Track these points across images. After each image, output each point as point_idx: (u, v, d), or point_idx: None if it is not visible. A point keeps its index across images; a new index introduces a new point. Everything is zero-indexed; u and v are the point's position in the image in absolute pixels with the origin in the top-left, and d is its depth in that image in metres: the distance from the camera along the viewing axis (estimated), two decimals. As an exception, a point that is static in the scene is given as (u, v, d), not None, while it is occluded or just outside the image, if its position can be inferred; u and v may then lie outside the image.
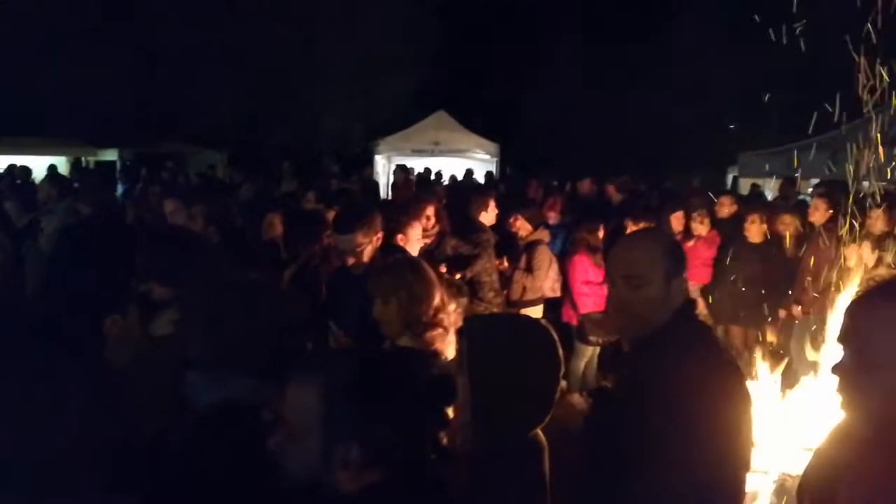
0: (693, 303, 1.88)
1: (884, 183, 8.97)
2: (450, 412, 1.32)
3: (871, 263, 5.49)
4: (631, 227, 6.09)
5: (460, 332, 1.78)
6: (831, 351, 4.31)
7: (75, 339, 3.14)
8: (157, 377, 1.93)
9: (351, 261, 3.10)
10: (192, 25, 16.97)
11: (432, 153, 15.20)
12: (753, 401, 1.75)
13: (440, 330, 2.11)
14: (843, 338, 1.35)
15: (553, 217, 7.20)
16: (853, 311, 1.36)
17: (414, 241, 4.05)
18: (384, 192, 12.52)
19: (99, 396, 2.51)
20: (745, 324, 6.13)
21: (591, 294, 5.95)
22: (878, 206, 5.76)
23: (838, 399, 1.37)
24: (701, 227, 6.48)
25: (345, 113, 19.22)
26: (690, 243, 6.50)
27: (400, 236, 3.94)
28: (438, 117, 15.76)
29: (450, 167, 15.05)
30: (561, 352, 1.73)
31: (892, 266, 5.56)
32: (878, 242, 5.64)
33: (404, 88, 19.48)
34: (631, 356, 1.74)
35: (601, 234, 6.22)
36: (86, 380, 2.86)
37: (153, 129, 16.76)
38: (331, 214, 3.83)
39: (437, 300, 2.15)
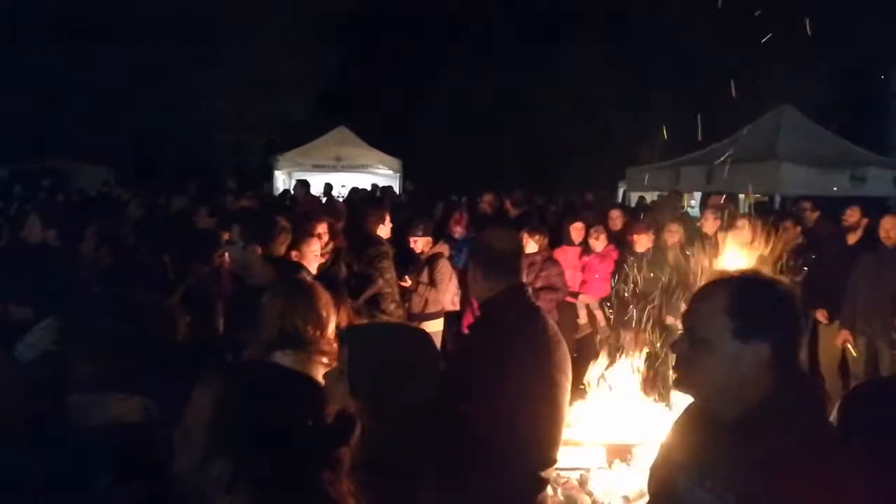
0: (517, 287, 2.33)
1: (756, 195, 9.79)
2: (346, 454, 1.25)
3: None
4: (527, 239, 6.29)
5: (341, 341, 1.81)
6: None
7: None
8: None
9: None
10: (80, 38, 16.02)
11: (334, 168, 15.09)
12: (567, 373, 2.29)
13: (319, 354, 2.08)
14: (682, 318, 1.54)
15: (459, 231, 7.33)
16: (692, 296, 1.55)
17: (310, 257, 4.04)
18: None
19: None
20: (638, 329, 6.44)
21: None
22: (744, 216, 6.25)
23: (674, 377, 1.55)
24: (597, 243, 6.77)
25: (243, 128, 18.72)
26: (588, 258, 6.80)
27: (295, 252, 3.92)
28: (339, 133, 15.69)
29: (352, 183, 14.97)
30: (438, 354, 1.79)
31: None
32: (747, 251, 6.08)
33: (305, 104, 19.24)
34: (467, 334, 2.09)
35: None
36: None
37: (29, 143, 15.64)
38: (226, 233, 3.73)
39: (321, 321, 2.11)
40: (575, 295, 6.68)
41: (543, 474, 2.31)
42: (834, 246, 6.57)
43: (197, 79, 17.13)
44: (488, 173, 15.68)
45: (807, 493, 1.26)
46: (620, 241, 7.04)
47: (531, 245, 6.30)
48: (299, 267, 3.38)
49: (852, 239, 6.41)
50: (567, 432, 4.03)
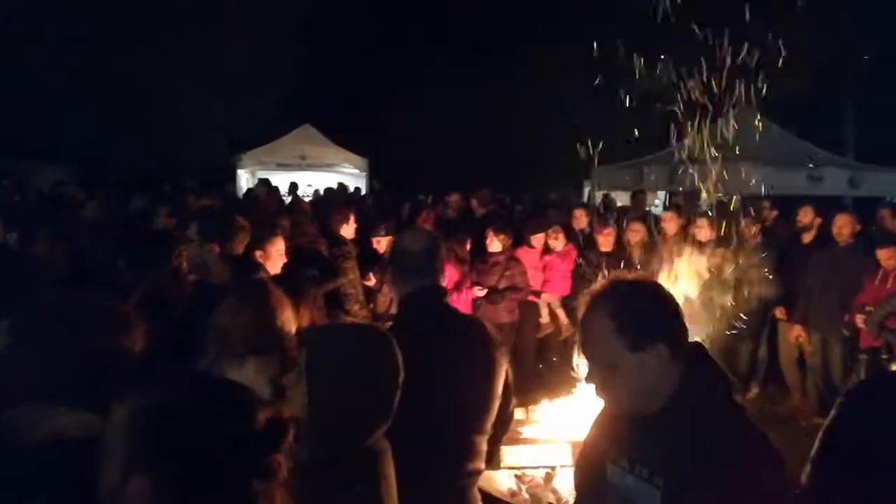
0: (429, 289, 2.35)
1: (719, 194, 9.96)
2: (279, 461, 1.20)
3: (703, 272, 6.05)
4: (492, 238, 6.34)
5: (300, 342, 1.78)
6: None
7: None
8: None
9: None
10: (36, 41, 15.52)
11: (299, 167, 14.93)
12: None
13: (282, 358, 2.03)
14: (582, 349, 1.59)
15: (426, 231, 7.33)
16: (580, 324, 1.60)
17: (275, 256, 4.01)
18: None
19: None
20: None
21: (458, 301, 6.14)
22: (704, 216, 6.35)
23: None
24: (556, 243, 6.84)
25: (206, 127, 18.38)
26: (548, 258, 6.87)
27: (259, 252, 3.88)
28: (304, 131, 15.53)
29: (318, 182, 14.85)
30: (400, 358, 1.76)
31: (720, 272, 6.15)
32: (707, 250, 6.20)
33: (270, 102, 18.99)
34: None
35: (468, 246, 6.44)
36: None
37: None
38: (189, 231, 3.66)
39: (281, 323, 2.06)
40: (537, 294, 6.73)
41: (472, 466, 2.32)
42: (791, 244, 6.73)
43: (163, 76, 16.78)
44: (457, 172, 15.68)
45: (728, 469, 1.36)
46: (585, 239, 7.12)
47: (496, 244, 6.34)
48: (257, 266, 3.33)
49: (807, 238, 6.57)
50: (532, 430, 4.07)
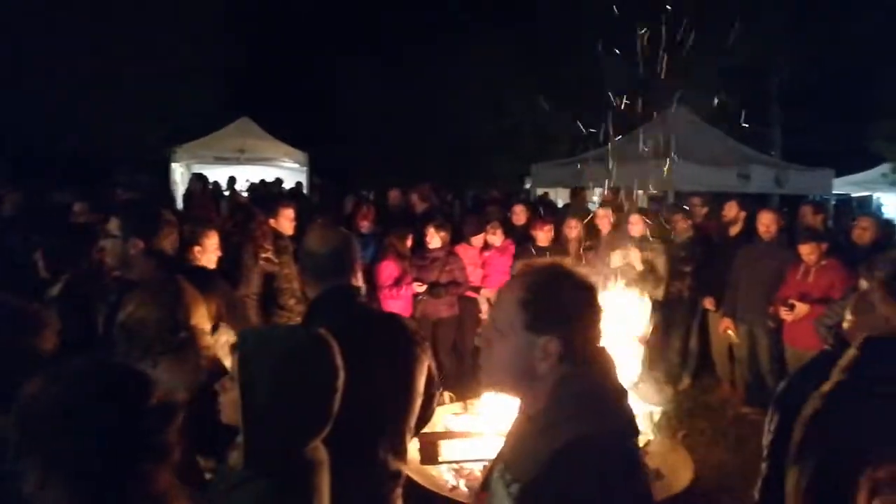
0: (341, 289, 2.29)
1: (655, 192, 10.23)
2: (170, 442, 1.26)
3: (637, 265, 6.20)
4: (432, 234, 6.33)
5: (234, 347, 1.70)
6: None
7: None
8: None
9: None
10: None
11: (237, 161, 14.56)
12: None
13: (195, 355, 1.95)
14: (489, 310, 1.58)
15: (366, 227, 7.29)
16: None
17: (211, 251, 3.91)
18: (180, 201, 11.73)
19: None
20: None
21: (398, 297, 6.12)
22: (638, 212, 6.49)
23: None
24: (495, 238, 6.89)
25: (142, 119, 17.67)
26: (488, 254, 6.92)
27: (197, 248, 3.80)
28: (243, 124, 15.12)
29: (256, 176, 14.53)
30: (339, 361, 1.70)
31: (652, 265, 6.32)
32: (640, 245, 6.36)
33: (207, 95, 18.42)
34: None
35: (409, 241, 6.41)
36: None
37: None
38: (112, 224, 3.51)
39: (192, 319, 1.98)
40: (476, 290, 6.77)
41: (395, 466, 2.28)
42: (719, 238, 6.97)
43: (99, 66, 16.03)
44: (399, 168, 15.60)
45: (574, 482, 1.29)
46: (524, 235, 7.19)
47: (436, 240, 6.35)
48: (181, 263, 3.22)
49: (733, 231, 6.81)
50: (470, 423, 4.08)
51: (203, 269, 3.57)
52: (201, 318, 1.97)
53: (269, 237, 5.34)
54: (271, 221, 5.56)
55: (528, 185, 14.92)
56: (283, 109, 19.02)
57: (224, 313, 2.46)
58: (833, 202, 12.52)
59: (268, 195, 10.38)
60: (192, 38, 17.13)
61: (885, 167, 17.28)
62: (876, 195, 18.08)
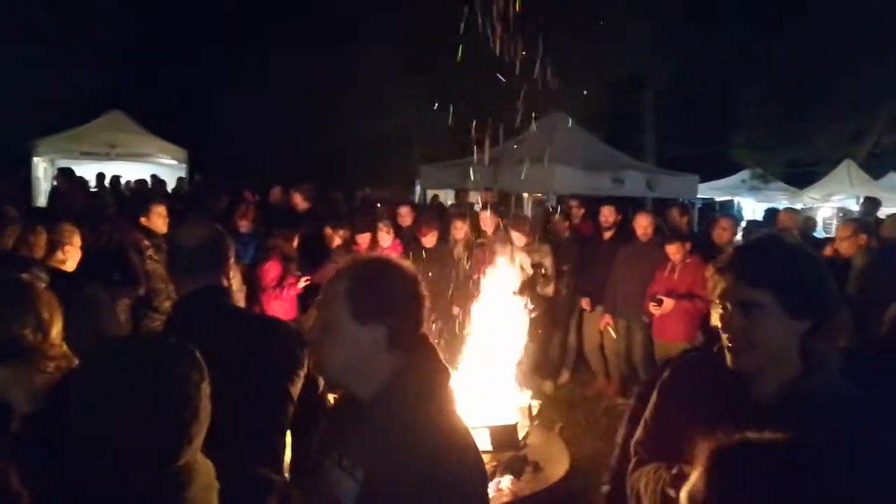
0: (208, 290, 2.20)
1: (539, 194, 10.56)
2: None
3: (527, 267, 6.40)
4: (330, 235, 6.24)
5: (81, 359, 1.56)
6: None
7: None
8: None
9: None
10: None
11: (107, 157, 13.63)
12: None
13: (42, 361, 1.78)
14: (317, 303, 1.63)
15: (245, 226, 7.05)
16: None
17: (77, 247, 3.71)
18: (44, 199, 10.86)
19: None
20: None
21: (280, 298, 5.95)
22: (521, 214, 6.68)
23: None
24: (386, 238, 6.87)
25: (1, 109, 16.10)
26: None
27: (68, 246, 3.61)
28: (113, 117, 14.15)
29: (128, 173, 13.68)
30: (200, 371, 1.53)
31: (542, 266, 6.54)
32: (528, 246, 6.56)
33: (77, 87, 17.07)
34: None
35: (296, 242, 6.26)
36: None
37: None
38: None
39: (41, 324, 1.81)
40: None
41: (265, 475, 2.14)
42: (595, 240, 7.31)
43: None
44: (285, 167, 15.19)
45: (423, 465, 1.35)
46: (410, 235, 7.22)
47: (336, 240, 6.31)
48: (29, 262, 2.97)
49: (608, 234, 7.16)
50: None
51: (65, 273, 3.33)
52: (53, 325, 1.80)
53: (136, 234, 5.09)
54: (143, 220, 5.29)
55: (419, 186, 15.01)
56: (162, 102, 18.02)
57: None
58: (698, 206, 13.46)
59: (148, 194, 9.80)
60: (65, 24, 15.85)
61: (744, 174, 19.05)
62: (737, 199, 19.79)
